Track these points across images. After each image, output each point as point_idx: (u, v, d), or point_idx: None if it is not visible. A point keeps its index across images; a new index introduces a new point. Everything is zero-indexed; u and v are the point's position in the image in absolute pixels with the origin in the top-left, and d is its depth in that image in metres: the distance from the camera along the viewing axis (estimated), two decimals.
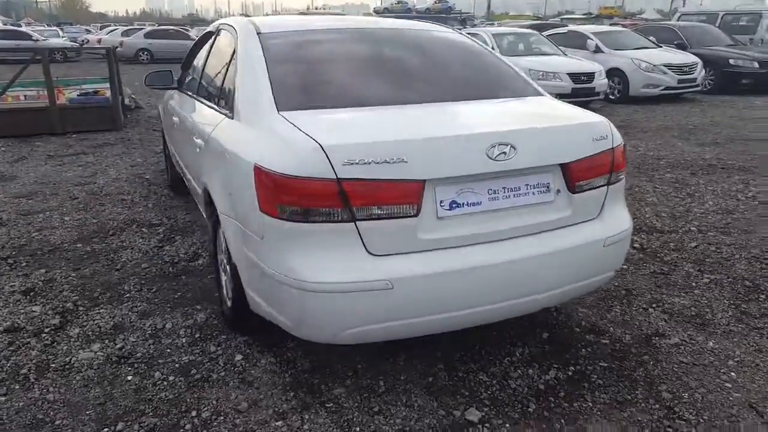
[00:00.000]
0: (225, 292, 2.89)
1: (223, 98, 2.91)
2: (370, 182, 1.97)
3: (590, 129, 2.39)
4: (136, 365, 2.56)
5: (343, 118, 2.34)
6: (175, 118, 3.94)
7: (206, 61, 3.53)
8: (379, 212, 2.00)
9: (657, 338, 2.80)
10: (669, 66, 10.85)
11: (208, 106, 3.11)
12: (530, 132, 2.25)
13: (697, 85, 11.12)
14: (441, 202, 2.08)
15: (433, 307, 2.09)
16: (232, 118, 2.61)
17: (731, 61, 11.86)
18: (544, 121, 2.40)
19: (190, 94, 3.79)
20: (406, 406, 2.30)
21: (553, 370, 2.53)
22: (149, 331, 2.83)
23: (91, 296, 3.20)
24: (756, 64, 11.83)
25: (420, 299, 2.05)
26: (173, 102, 4.22)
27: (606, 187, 2.43)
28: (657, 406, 2.31)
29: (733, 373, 2.53)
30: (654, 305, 3.13)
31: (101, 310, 3.03)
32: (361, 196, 1.97)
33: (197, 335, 2.80)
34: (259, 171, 2.09)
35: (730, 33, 13.79)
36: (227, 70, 2.96)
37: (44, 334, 2.80)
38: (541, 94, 2.84)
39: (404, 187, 2.01)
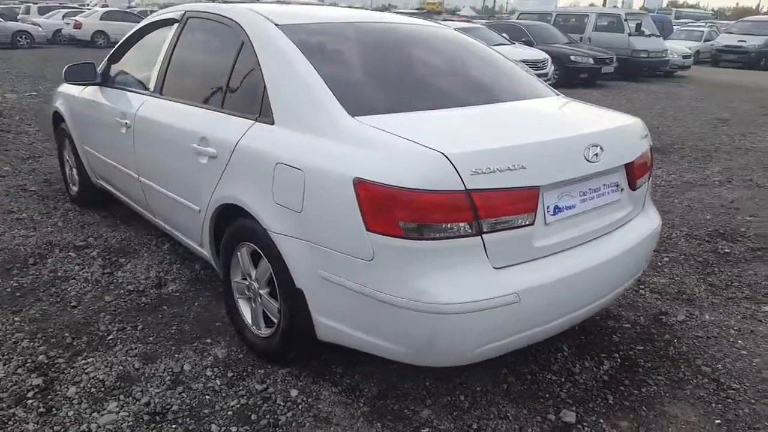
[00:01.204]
0: (251, 320, 2.56)
1: (237, 100, 2.55)
2: (496, 192, 1.87)
3: (639, 128, 2.51)
4: (180, 421, 2.16)
5: (434, 122, 2.19)
6: (112, 121, 3.37)
7: (175, 55, 3.05)
8: (503, 223, 1.90)
9: (665, 317, 3.04)
10: (525, 62, 11.77)
11: (203, 108, 2.70)
12: (612, 132, 2.29)
13: (549, 80, 12.23)
14: (548, 207, 2.04)
15: (550, 314, 2.05)
16: (272, 124, 2.30)
17: (572, 58, 13.24)
18: (608, 121, 2.45)
19: (139, 92, 3.27)
20: (501, 418, 2.24)
21: (604, 360, 2.63)
22: (168, 378, 2.40)
23: (62, 344, 2.63)
24: (591, 60, 13.36)
25: (541, 308, 1.99)
26: (100, 102, 3.61)
27: (647, 182, 2.56)
28: (705, 380, 2.51)
29: (740, 341, 2.83)
30: (642, 286, 3.38)
31: (89, 359, 2.51)
32: (489, 207, 1.85)
33: (229, 374, 2.44)
34: (365, 186, 1.87)
35: (563, 32, 15.35)
36: (234, 67, 2.59)
37: (30, 401, 2.24)
38: (558, 94, 2.90)
39: (525, 195, 1.93)
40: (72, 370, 2.43)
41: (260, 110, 2.39)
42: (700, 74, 18.07)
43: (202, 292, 3.16)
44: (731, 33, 21.88)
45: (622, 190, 2.37)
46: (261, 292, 2.46)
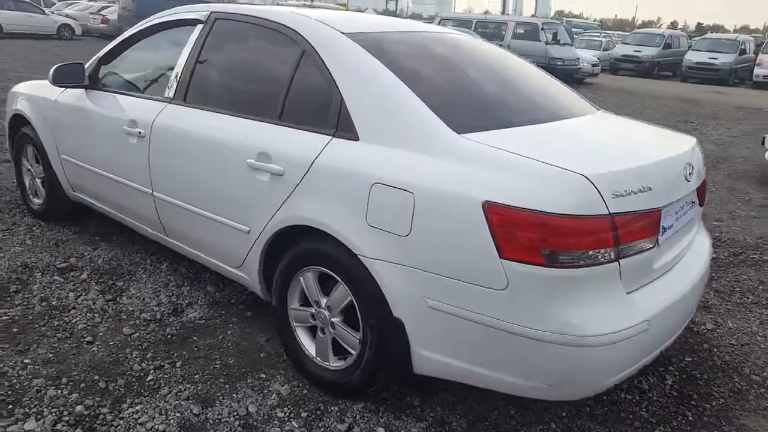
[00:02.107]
0: (315, 351, 2.36)
1: (301, 113, 2.33)
2: (632, 215, 1.82)
3: (698, 145, 2.56)
4: None
5: (542, 140, 2.10)
6: (114, 130, 2.99)
7: (202, 60, 2.74)
8: (635, 246, 1.85)
9: (694, 325, 3.14)
10: None
11: (254, 121, 2.44)
12: (695, 151, 2.33)
13: None
14: (662, 228, 2.02)
15: (661, 339, 2.02)
16: (356, 140, 2.11)
17: None
18: (687, 140, 2.46)
19: (151, 98, 2.92)
20: None
21: (665, 375, 2.66)
22: (237, 423, 2.15)
23: (96, 389, 2.28)
24: None
25: (659, 333, 1.97)
26: (92, 107, 3.19)
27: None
28: (762, 389, 2.61)
29: None
30: None
31: (136, 407, 2.19)
32: (628, 231, 1.80)
33: (303, 414, 2.22)
34: (497, 210, 1.75)
35: (484, 38, 15.76)
36: (294, 77, 2.36)
37: None
38: (598, 108, 2.88)
39: (652, 217, 1.90)
40: (122, 422, 2.11)
41: (336, 124, 2.19)
42: (606, 82, 19.27)
43: (228, 318, 2.88)
44: (627, 44, 23.53)
45: (693, 206, 2.41)
46: (333, 320, 2.26)
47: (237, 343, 2.66)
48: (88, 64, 3.31)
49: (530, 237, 1.72)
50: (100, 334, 2.66)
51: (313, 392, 2.35)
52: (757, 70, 20.44)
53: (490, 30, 16.82)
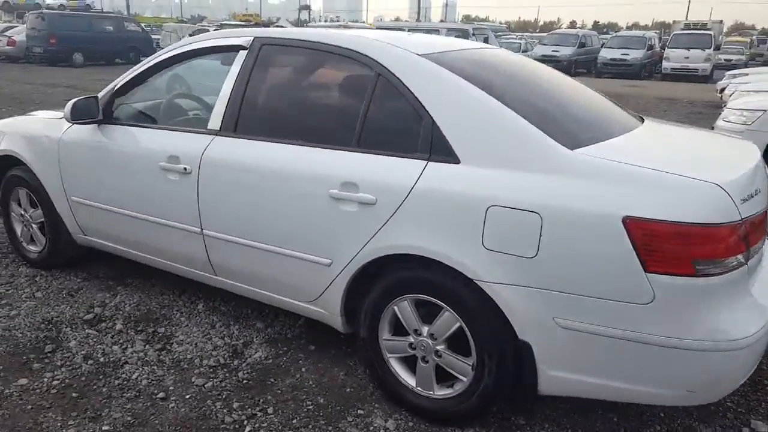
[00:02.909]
0: (416, 381, 2.31)
1: (384, 139, 2.27)
2: (755, 218, 1.90)
3: None
4: None
5: (649, 151, 2.17)
6: (149, 167, 2.81)
7: (252, 88, 2.61)
8: (755, 249, 1.94)
9: None
10: None
11: (328, 149, 2.36)
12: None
13: None
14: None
15: None
16: (457, 163, 2.09)
17: None
18: (746, 143, 2.58)
19: (190, 130, 2.76)
20: None
21: None
22: None
23: None
24: None
25: None
26: (115, 144, 2.98)
27: None
28: None
29: None
30: None
31: None
32: (754, 234, 1.88)
33: None
34: (639, 224, 1.78)
35: None
36: (370, 102, 2.30)
37: None
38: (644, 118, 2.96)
39: (763, 218, 1.99)
40: None
41: (429, 148, 2.16)
42: None
43: (294, 355, 2.76)
44: (545, 44, 24.62)
45: None
46: (438, 348, 2.22)
47: (317, 381, 2.56)
48: (100, 97, 3.08)
49: (676, 249, 1.76)
50: (171, 388, 2.48)
51: (419, 423, 2.30)
52: (665, 64, 21.97)
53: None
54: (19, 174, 3.50)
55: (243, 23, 46.17)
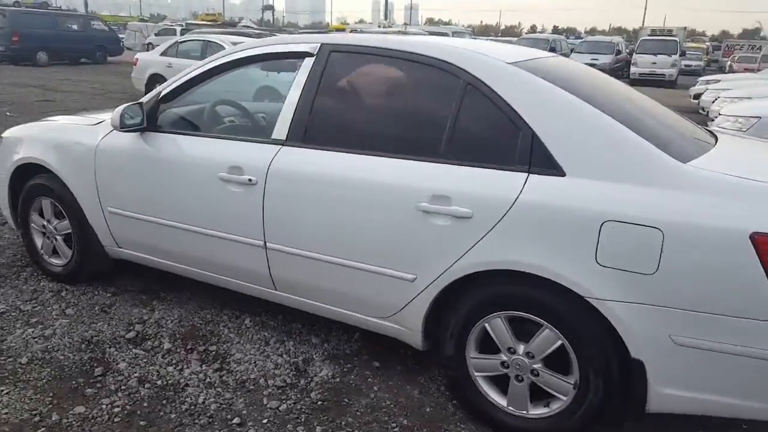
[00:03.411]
0: (508, 401, 2.24)
1: (476, 150, 2.19)
2: None
3: None
4: None
5: (753, 165, 2.17)
6: (206, 178, 2.66)
7: (321, 97, 2.49)
8: None
9: None
10: None
11: (413, 161, 2.26)
12: None
13: None
14: None
15: None
16: (561, 176, 2.03)
17: None
18: None
19: (252, 140, 2.63)
20: None
21: None
22: None
23: None
24: None
25: None
26: (162, 153, 2.82)
27: None
28: None
29: None
30: None
31: None
32: None
33: None
34: (766, 240, 1.75)
35: None
36: (458, 112, 2.22)
37: None
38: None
39: None
40: None
41: (529, 160, 2.09)
42: None
43: (361, 372, 2.66)
44: None
45: None
46: (535, 366, 2.15)
47: (394, 400, 2.46)
48: (144, 103, 2.91)
49: None
50: (243, 412, 2.34)
51: None
52: (633, 69, 22.50)
53: None
54: (42, 183, 3.29)
55: (209, 23, 45.46)
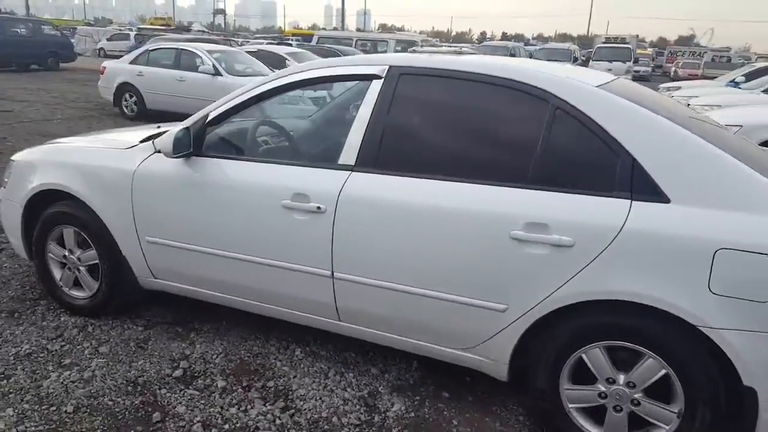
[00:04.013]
0: None
1: (567, 175, 2.13)
2: None
3: None
4: None
5: None
6: (266, 206, 2.52)
7: (392, 121, 2.39)
8: None
9: None
10: None
11: (498, 187, 2.19)
12: None
13: None
14: None
15: None
16: (666, 202, 1.99)
17: None
18: None
19: (317, 166, 2.50)
20: None
21: None
22: None
23: None
24: None
25: None
26: (215, 180, 2.65)
27: None
28: None
29: None
30: None
31: None
32: None
33: None
34: None
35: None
36: (544, 137, 2.16)
37: None
38: None
39: None
40: None
41: (630, 186, 2.05)
42: None
43: (433, 403, 2.56)
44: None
45: None
46: (636, 396, 2.11)
47: None
48: (192, 127, 2.73)
49: None
50: None
51: None
52: None
53: (368, 47, 17.03)
54: (64, 210, 3.05)
55: (161, 27, 44.37)
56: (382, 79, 2.47)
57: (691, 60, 32.76)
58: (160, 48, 10.74)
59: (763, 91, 9.87)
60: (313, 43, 17.21)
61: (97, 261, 3.06)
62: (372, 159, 2.41)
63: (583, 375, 2.20)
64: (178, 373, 2.71)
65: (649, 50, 46.59)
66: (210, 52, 10.33)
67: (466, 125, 2.38)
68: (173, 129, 2.69)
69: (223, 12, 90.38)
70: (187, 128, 2.67)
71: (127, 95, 10.72)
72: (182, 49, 10.51)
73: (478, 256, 2.20)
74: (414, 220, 2.29)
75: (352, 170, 2.43)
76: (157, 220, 2.81)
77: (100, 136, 3.44)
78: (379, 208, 2.34)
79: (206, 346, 2.95)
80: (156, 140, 2.85)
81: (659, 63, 42.86)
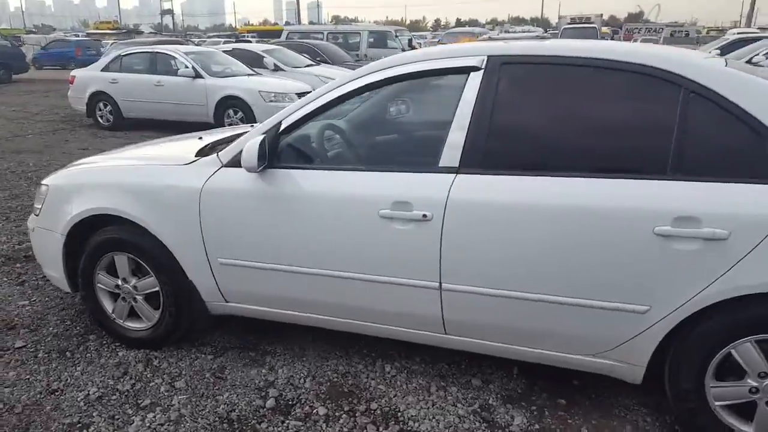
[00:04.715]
0: (755, 429, 2.09)
1: (709, 163, 2.00)
2: None
3: None
4: None
5: None
6: (364, 216, 2.33)
7: (499, 115, 2.22)
8: None
9: None
10: None
11: (633, 178, 2.04)
12: None
13: None
14: None
15: None
16: None
17: None
18: None
19: (410, 170, 2.32)
20: None
21: None
22: None
23: None
24: None
25: None
26: (297, 193, 2.44)
27: None
28: None
29: None
30: None
31: None
32: None
33: None
34: None
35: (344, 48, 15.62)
36: (683, 125, 2.02)
37: None
38: None
39: None
40: None
41: None
42: None
43: (552, 411, 2.42)
44: (444, 44, 25.16)
45: None
46: None
47: None
48: (263, 136, 2.50)
49: None
50: None
51: None
52: None
53: (339, 40, 16.70)
54: (116, 236, 2.79)
55: (110, 31, 42.93)
56: (482, 71, 2.29)
57: (649, 36, 33.33)
58: (134, 53, 10.27)
59: (746, 62, 10.03)
60: (282, 38, 16.76)
61: (157, 288, 2.81)
62: (478, 159, 2.24)
63: (727, 371, 2.09)
64: (270, 403, 2.50)
65: (605, 28, 47.32)
66: (187, 53, 9.93)
67: (584, 116, 2.22)
68: (245, 140, 2.46)
69: (171, 12, 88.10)
70: (263, 139, 2.44)
71: (101, 104, 10.23)
72: (157, 53, 10.08)
73: (615, 257, 2.06)
74: (537, 222, 2.13)
75: (456, 173, 2.26)
76: (231, 240, 2.58)
77: (130, 153, 3.17)
78: (494, 212, 2.17)
79: (288, 370, 2.75)
80: (221, 153, 2.62)
81: (618, 41, 43.60)
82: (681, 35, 30.93)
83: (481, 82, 2.28)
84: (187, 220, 2.62)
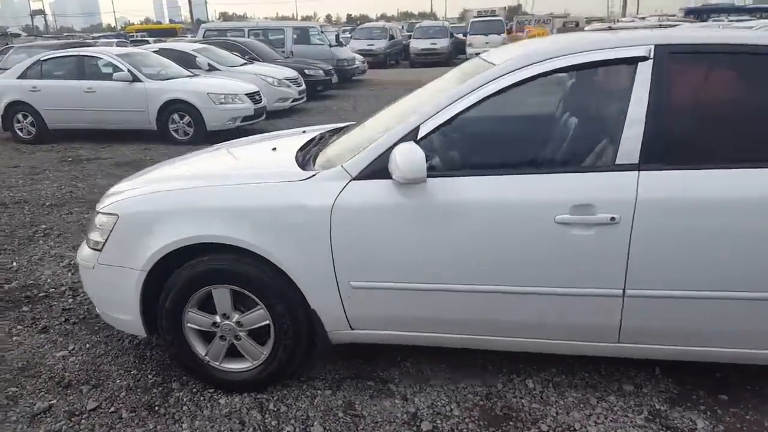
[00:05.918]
0: None
1: None
2: None
3: None
4: None
5: None
6: (532, 226, 2.14)
7: (674, 109, 2.12)
8: None
9: None
10: (288, 79, 11.27)
11: None
12: None
13: (302, 96, 11.76)
14: None
15: None
16: None
17: (306, 72, 13.16)
18: None
19: (600, 169, 2.16)
20: None
21: None
22: None
23: None
24: (322, 73, 13.62)
25: None
26: (447, 203, 2.20)
27: None
28: None
29: None
30: None
31: None
32: None
33: None
34: None
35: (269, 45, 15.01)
36: None
37: None
38: None
39: None
40: None
41: None
42: (367, 76, 19.84)
43: (728, 412, 2.36)
44: (359, 39, 24.90)
45: None
46: None
47: None
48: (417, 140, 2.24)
49: None
50: None
51: None
52: (469, 50, 23.82)
53: (261, 37, 16.03)
54: (216, 267, 2.41)
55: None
56: (651, 60, 2.18)
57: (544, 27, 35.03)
58: (56, 57, 9.23)
59: None
60: (200, 36, 15.82)
61: (267, 322, 2.46)
62: (660, 154, 2.12)
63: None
64: None
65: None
66: (119, 55, 9.09)
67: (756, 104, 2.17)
68: (378, 149, 2.23)
69: (42, 12, 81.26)
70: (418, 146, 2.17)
71: (19, 116, 9.12)
72: (84, 56, 9.13)
73: None
74: (744, 215, 2.05)
75: (638, 170, 2.12)
76: (370, 260, 2.29)
77: (193, 171, 2.79)
78: (693, 209, 2.07)
79: (423, 397, 2.50)
80: (347, 165, 2.32)
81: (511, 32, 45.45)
82: (572, 25, 32.75)
83: (652, 72, 2.16)
84: (314, 242, 2.30)
